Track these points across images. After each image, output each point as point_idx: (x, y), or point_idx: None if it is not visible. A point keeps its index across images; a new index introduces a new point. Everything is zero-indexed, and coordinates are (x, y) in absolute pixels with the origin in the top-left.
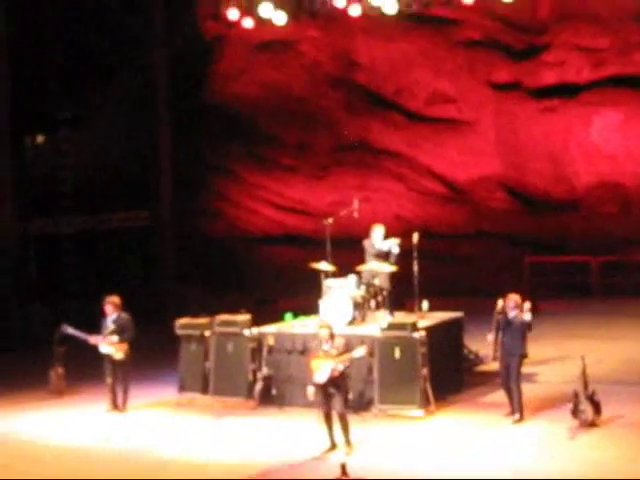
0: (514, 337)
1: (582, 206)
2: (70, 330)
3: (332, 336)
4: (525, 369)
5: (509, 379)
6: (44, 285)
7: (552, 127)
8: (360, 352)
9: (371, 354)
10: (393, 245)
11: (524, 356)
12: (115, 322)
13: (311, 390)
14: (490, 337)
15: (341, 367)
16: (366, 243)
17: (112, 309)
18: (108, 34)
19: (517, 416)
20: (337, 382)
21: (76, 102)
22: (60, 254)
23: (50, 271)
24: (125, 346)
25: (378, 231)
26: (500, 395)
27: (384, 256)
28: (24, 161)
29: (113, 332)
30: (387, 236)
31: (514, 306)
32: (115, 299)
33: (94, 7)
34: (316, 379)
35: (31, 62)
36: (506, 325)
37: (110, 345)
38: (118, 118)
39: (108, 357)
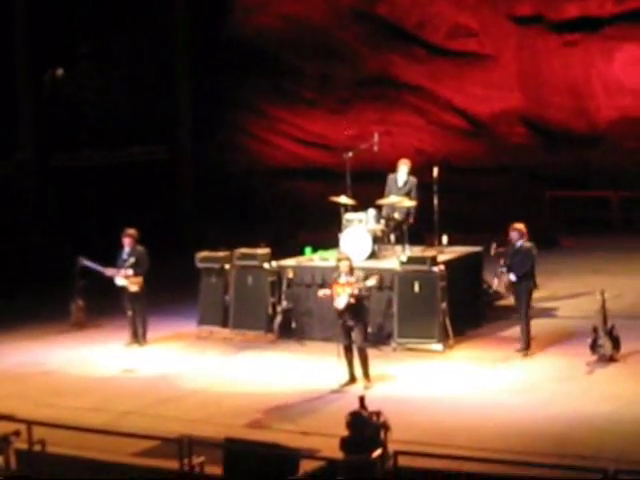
0: (526, 264)
1: (603, 141)
2: (87, 262)
3: (351, 269)
4: (544, 304)
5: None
6: (64, 219)
7: (574, 61)
8: (372, 282)
9: (390, 288)
10: (413, 187)
11: (533, 287)
12: (130, 255)
13: (322, 292)
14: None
15: (357, 291)
16: (390, 177)
17: (129, 241)
18: None
19: (520, 346)
20: (355, 311)
21: (96, 36)
22: (80, 188)
23: (70, 205)
24: (139, 279)
25: (404, 168)
26: (519, 330)
27: (405, 192)
28: (43, 95)
29: (128, 265)
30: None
31: (519, 236)
32: (132, 232)
33: None
34: (335, 304)
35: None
36: (513, 256)
37: (125, 278)
38: (138, 51)
39: (124, 290)
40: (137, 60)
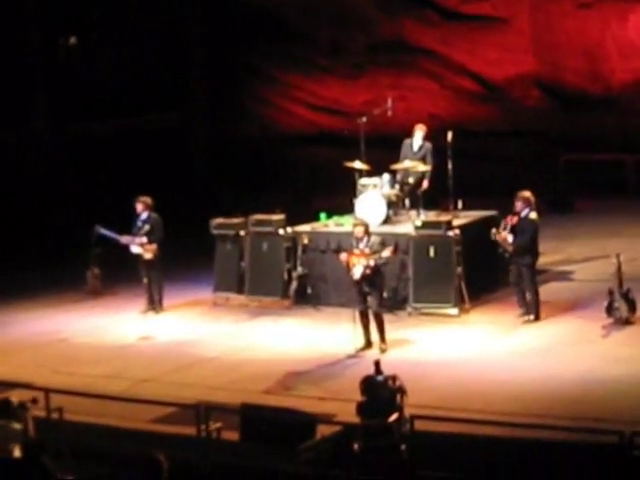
0: (524, 236)
1: (618, 103)
2: (103, 230)
3: (368, 234)
4: (560, 267)
5: (521, 279)
6: (79, 188)
7: (588, 24)
8: (386, 253)
9: (406, 252)
10: (428, 152)
11: (533, 261)
12: (145, 222)
13: (342, 255)
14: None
15: (372, 263)
16: (406, 142)
17: (142, 208)
18: None
19: (532, 316)
20: (371, 280)
21: (108, 4)
22: (93, 157)
23: (84, 174)
24: (154, 246)
25: (419, 133)
26: None
27: (420, 157)
28: (57, 64)
29: (143, 232)
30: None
31: (524, 205)
32: (146, 199)
33: None
34: (351, 274)
35: None
36: (517, 225)
37: (139, 245)
38: (151, 19)
39: (140, 257)
40: (150, 27)
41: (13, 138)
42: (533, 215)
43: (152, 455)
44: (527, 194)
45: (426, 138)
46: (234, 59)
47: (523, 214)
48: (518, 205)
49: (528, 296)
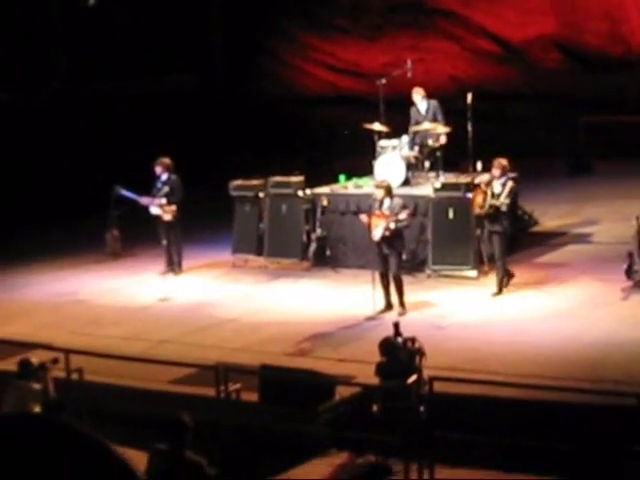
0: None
1: (638, 65)
2: (122, 191)
3: (390, 195)
4: (578, 230)
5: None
6: (97, 149)
7: None
8: (402, 215)
9: (425, 214)
10: (436, 110)
11: (507, 232)
12: (165, 183)
13: (363, 216)
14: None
15: (392, 226)
16: (412, 110)
17: (162, 170)
18: None
19: (496, 289)
20: (391, 242)
21: None
22: (112, 118)
23: (103, 135)
24: (173, 208)
25: (418, 97)
26: (554, 256)
27: (431, 118)
28: (76, 25)
29: (162, 193)
30: (433, 94)
31: (501, 173)
32: (166, 160)
33: None
34: (372, 235)
35: None
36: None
37: (159, 207)
38: None
39: (159, 219)
40: None
41: (31, 98)
42: (510, 183)
43: (178, 416)
44: (504, 161)
45: (428, 97)
46: (253, 19)
47: (501, 181)
48: (495, 173)
49: (497, 271)
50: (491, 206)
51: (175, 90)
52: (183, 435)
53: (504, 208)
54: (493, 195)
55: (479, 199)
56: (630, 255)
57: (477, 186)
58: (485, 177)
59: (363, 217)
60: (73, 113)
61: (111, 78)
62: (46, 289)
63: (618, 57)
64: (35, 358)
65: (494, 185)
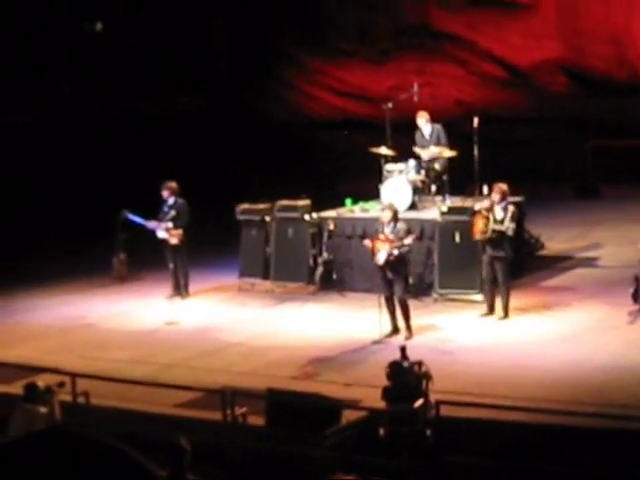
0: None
1: None
2: (129, 215)
3: (395, 219)
4: (585, 253)
5: (495, 280)
6: (105, 171)
7: (614, 8)
8: (408, 240)
9: (431, 238)
10: (440, 133)
11: (510, 257)
12: (171, 207)
13: (367, 241)
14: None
15: (396, 252)
16: (417, 134)
17: (169, 194)
18: None
19: (503, 312)
20: (395, 266)
21: None
22: (120, 141)
23: (110, 157)
24: (180, 231)
25: (422, 120)
26: (561, 280)
27: (435, 142)
28: (82, 48)
29: (169, 217)
30: (439, 118)
31: (501, 197)
32: (172, 184)
33: None
34: (375, 260)
35: None
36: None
37: (165, 230)
38: (176, 3)
39: (166, 242)
40: (177, 12)
41: (39, 121)
42: (511, 207)
43: (174, 440)
44: (504, 186)
45: (432, 121)
46: (260, 43)
47: (502, 205)
48: (494, 197)
49: (502, 297)
50: (494, 231)
51: (183, 113)
52: (182, 459)
53: (510, 232)
54: (495, 220)
55: (480, 225)
56: (637, 279)
57: (477, 212)
58: (484, 202)
59: (367, 242)
60: (80, 135)
61: (119, 100)
62: (53, 313)
63: (624, 81)
64: (41, 382)
65: (495, 210)
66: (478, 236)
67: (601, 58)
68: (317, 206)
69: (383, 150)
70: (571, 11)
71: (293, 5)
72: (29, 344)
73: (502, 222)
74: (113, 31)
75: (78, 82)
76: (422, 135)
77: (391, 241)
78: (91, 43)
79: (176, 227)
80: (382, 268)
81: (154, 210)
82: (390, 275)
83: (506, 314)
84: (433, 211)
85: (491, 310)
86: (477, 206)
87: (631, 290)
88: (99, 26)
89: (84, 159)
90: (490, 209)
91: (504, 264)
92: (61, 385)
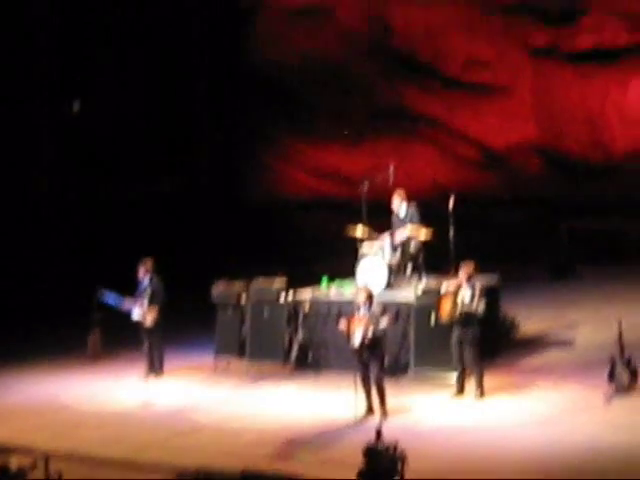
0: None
1: (619, 171)
2: (106, 296)
3: (370, 300)
4: (561, 333)
5: (463, 357)
6: (82, 249)
7: (589, 92)
8: (383, 324)
9: (407, 319)
10: (413, 214)
11: (479, 336)
12: (147, 286)
13: (342, 323)
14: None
15: (371, 334)
16: (393, 215)
17: (145, 272)
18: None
19: (478, 391)
20: (371, 348)
21: (113, 69)
22: (100, 220)
23: (89, 235)
24: (155, 310)
25: (397, 200)
26: (537, 361)
27: (410, 222)
28: (63, 126)
29: (145, 296)
30: (415, 199)
31: (468, 278)
32: (148, 263)
33: None
34: (352, 342)
35: (67, 28)
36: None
37: (140, 310)
38: (156, 85)
39: (140, 322)
40: (154, 92)
41: (17, 199)
42: (479, 285)
43: None
44: (471, 266)
45: (407, 199)
46: (238, 124)
47: (470, 285)
48: (461, 276)
49: (474, 374)
50: (463, 312)
51: (160, 193)
52: None
53: (480, 311)
54: (463, 301)
55: (447, 306)
56: (612, 360)
57: (443, 294)
58: (450, 284)
59: (342, 325)
60: (60, 216)
61: (97, 180)
62: (27, 392)
63: (599, 163)
64: (14, 462)
65: (463, 290)
66: (446, 318)
67: (576, 140)
68: (293, 285)
69: (359, 231)
70: (546, 93)
71: (270, 86)
72: (2, 424)
73: (471, 301)
74: (92, 110)
75: (56, 161)
76: (397, 215)
77: (366, 322)
78: (69, 122)
79: (152, 305)
80: (358, 349)
81: (131, 288)
82: (366, 356)
83: (481, 393)
84: (409, 292)
85: (461, 390)
86: (443, 289)
87: (607, 371)
88: (77, 105)
89: (61, 237)
90: (457, 290)
91: (473, 344)
92: (33, 467)
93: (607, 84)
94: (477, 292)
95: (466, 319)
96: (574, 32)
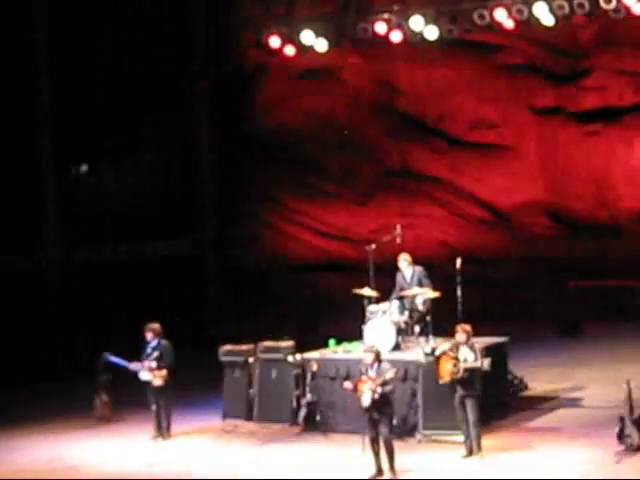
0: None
1: (625, 230)
2: (111, 358)
3: (378, 360)
4: (569, 392)
5: (467, 415)
6: (88, 313)
7: (595, 151)
8: (390, 374)
9: (415, 380)
10: (422, 276)
11: (480, 394)
12: (155, 349)
13: (347, 383)
14: None
15: (380, 391)
16: (398, 275)
17: (152, 336)
18: (150, 65)
19: (477, 450)
20: (380, 407)
21: (119, 131)
22: (104, 282)
23: (94, 299)
24: (164, 373)
25: (404, 263)
26: (545, 420)
27: (417, 284)
28: (68, 191)
29: (153, 359)
30: (422, 259)
31: (466, 338)
32: (155, 326)
33: (137, 39)
34: (360, 402)
35: (74, 92)
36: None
37: (149, 372)
38: (161, 147)
39: (149, 384)
40: (160, 154)
41: (24, 264)
42: (476, 345)
43: None
44: (468, 327)
45: (414, 263)
46: (244, 184)
47: (469, 345)
48: (459, 338)
49: (473, 435)
50: (466, 369)
51: (167, 255)
52: None
53: (486, 367)
54: (465, 360)
55: (448, 366)
56: (622, 419)
57: (441, 355)
58: (445, 345)
59: (347, 385)
60: (65, 278)
61: (103, 243)
62: (33, 454)
63: (605, 222)
64: None
65: (463, 351)
66: (447, 378)
67: (582, 199)
68: (300, 347)
69: (366, 291)
70: (552, 153)
71: (275, 147)
72: None
73: (474, 360)
74: (99, 173)
75: (64, 225)
76: (403, 277)
77: (374, 380)
78: (76, 185)
79: (160, 368)
80: (368, 410)
81: (137, 351)
82: (376, 415)
83: (479, 449)
84: (417, 352)
85: (471, 451)
86: (438, 350)
87: (616, 430)
88: (84, 168)
89: (69, 302)
90: (455, 350)
91: (476, 402)
92: None
93: (613, 143)
94: (478, 351)
95: (468, 377)
96: (579, 92)
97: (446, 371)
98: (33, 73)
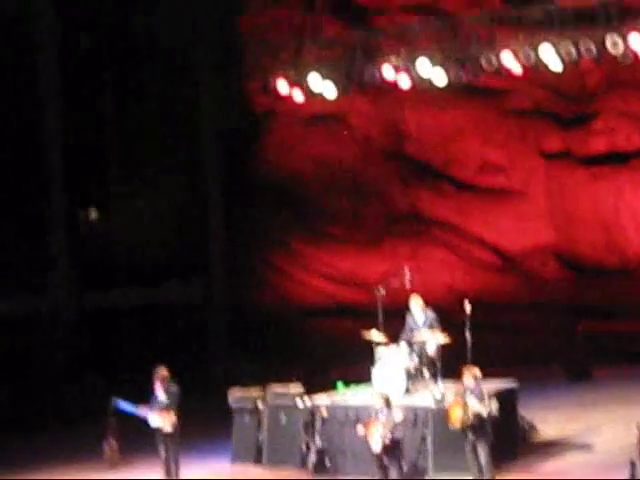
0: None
1: (635, 274)
2: (121, 404)
3: (388, 405)
4: (579, 436)
5: (479, 464)
6: (99, 358)
7: (603, 195)
8: (398, 417)
9: (425, 424)
10: (433, 321)
11: (492, 438)
12: (164, 394)
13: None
14: None
15: (390, 436)
16: (408, 317)
17: (161, 381)
18: (160, 112)
19: None
20: (391, 451)
21: (129, 178)
22: (115, 327)
23: (105, 344)
24: (173, 418)
25: (416, 306)
26: (555, 464)
27: (431, 328)
28: (78, 236)
29: (161, 404)
30: (431, 304)
31: (475, 382)
32: (163, 371)
33: (147, 87)
34: (372, 447)
35: (84, 138)
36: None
37: (158, 417)
38: (170, 192)
39: (159, 430)
40: (169, 200)
41: (34, 307)
42: (484, 389)
43: None
44: (476, 370)
45: (423, 306)
46: (252, 230)
47: (477, 390)
48: (466, 382)
49: (485, 476)
50: (476, 415)
51: (173, 300)
52: None
53: (495, 410)
54: (474, 405)
55: (458, 413)
56: (632, 463)
57: (451, 402)
58: (453, 390)
59: (360, 429)
60: (76, 323)
61: (112, 288)
62: None
63: (614, 266)
64: None
65: (471, 395)
66: (458, 424)
67: (591, 243)
68: (309, 390)
69: (374, 334)
70: (560, 197)
71: (284, 191)
72: None
73: (481, 405)
74: (108, 218)
75: (72, 270)
76: (414, 321)
77: (385, 427)
78: (85, 230)
79: (169, 413)
80: (378, 455)
81: (145, 396)
82: (386, 461)
83: None
84: (427, 397)
85: None
86: (448, 397)
87: (627, 475)
88: (94, 213)
89: (79, 347)
90: (463, 395)
91: (487, 447)
92: None
93: (621, 186)
94: (485, 395)
95: (478, 423)
96: (586, 135)
97: (457, 418)
98: (43, 120)
